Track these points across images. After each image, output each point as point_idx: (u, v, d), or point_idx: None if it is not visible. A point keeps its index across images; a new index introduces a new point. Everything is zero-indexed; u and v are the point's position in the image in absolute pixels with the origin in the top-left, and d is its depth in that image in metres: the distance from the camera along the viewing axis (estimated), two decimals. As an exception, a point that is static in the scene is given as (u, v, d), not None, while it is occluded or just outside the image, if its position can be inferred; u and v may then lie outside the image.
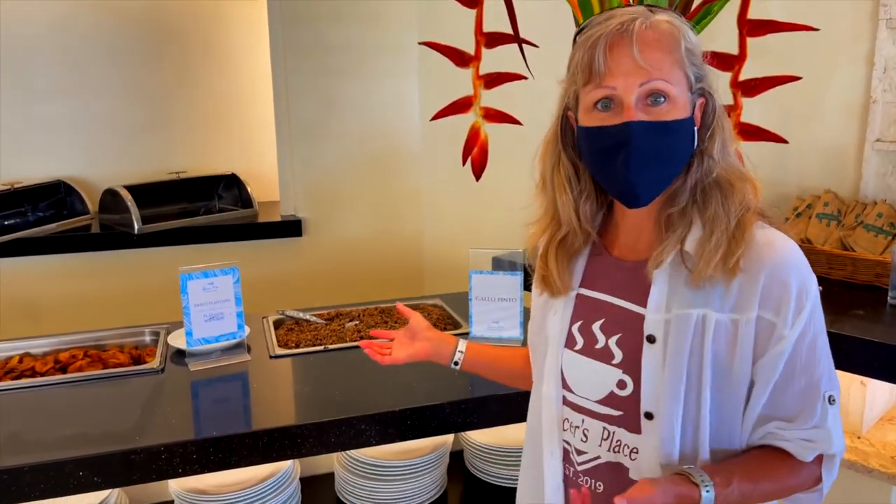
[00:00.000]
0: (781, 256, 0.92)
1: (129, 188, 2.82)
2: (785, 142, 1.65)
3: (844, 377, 1.61)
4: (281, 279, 3.03)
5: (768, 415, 0.93)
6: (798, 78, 1.62)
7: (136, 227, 2.74)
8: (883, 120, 1.90)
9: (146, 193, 2.88)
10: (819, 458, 0.95)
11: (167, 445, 1.35)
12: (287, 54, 3.00)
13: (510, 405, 1.57)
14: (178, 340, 1.82)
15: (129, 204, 2.75)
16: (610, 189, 0.99)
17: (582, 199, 1.04)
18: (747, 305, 0.91)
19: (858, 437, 1.58)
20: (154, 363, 1.74)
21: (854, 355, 1.43)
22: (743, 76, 1.63)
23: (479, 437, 1.86)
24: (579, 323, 1.05)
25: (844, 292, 1.73)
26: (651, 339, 0.96)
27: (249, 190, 3.15)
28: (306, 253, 3.14)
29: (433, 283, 3.26)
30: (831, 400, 0.94)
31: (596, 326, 1.03)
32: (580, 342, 1.04)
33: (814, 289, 0.93)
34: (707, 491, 0.88)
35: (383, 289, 3.00)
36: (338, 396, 1.56)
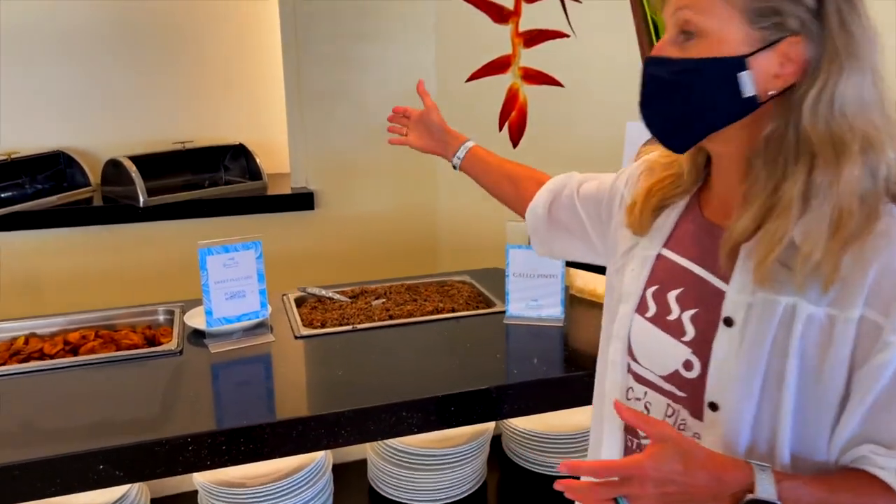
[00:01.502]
0: None
1: (133, 159, 2.67)
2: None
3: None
4: (293, 254, 2.90)
5: (864, 436, 0.77)
6: None
7: (141, 199, 2.60)
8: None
9: (150, 164, 2.73)
10: None
11: (195, 436, 1.23)
12: (298, 20, 2.84)
13: (560, 390, 1.46)
14: (195, 320, 1.70)
15: (133, 175, 2.60)
16: None
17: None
18: (851, 301, 0.76)
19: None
20: (171, 344, 1.61)
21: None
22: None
23: (520, 422, 1.75)
24: (655, 287, 0.93)
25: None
26: (728, 322, 0.83)
27: (258, 161, 3.01)
28: (318, 227, 3.01)
29: (448, 259, 3.14)
30: None
31: (672, 295, 0.91)
32: (652, 309, 0.93)
33: None
34: (762, 469, 0.75)
35: (397, 264, 2.88)
36: (373, 381, 1.45)
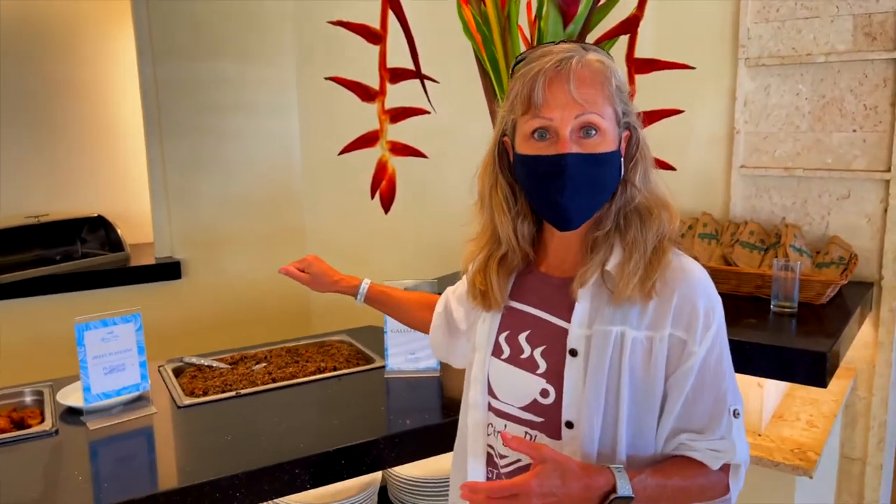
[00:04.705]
0: (692, 280, 1.00)
1: (-19, 235, 2.54)
2: (673, 168, 1.80)
3: (743, 380, 1.77)
4: (161, 325, 2.82)
5: (679, 427, 1.00)
6: (681, 111, 1.78)
7: (-10, 277, 2.47)
8: (745, 148, 2.13)
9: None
10: (726, 468, 1.02)
11: (87, 513, 1.23)
12: (159, 89, 2.87)
13: (443, 435, 1.57)
14: (69, 398, 1.66)
15: (-19, 252, 2.48)
16: (543, 213, 1.05)
17: (519, 220, 1.09)
18: (661, 324, 0.98)
19: (759, 435, 1.73)
20: (45, 425, 1.57)
21: (752, 359, 1.58)
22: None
23: (404, 470, 1.84)
24: (506, 333, 1.10)
25: (730, 303, 1.90)
26: (573, 353, 1.01)
27: (119, 232, 2.95)
28: (186, 296, 2.98)
29: (321, 321, 3.20)
30: (735, 413, 1.01)
31: (522, 337, 1.08)
32: (507, 351, 1.09)
33: (719, 311, 1.01)
34: (619, 470, 0.94)
35: (270, 328, 2.90)
36: (263, 443, 1.49)
